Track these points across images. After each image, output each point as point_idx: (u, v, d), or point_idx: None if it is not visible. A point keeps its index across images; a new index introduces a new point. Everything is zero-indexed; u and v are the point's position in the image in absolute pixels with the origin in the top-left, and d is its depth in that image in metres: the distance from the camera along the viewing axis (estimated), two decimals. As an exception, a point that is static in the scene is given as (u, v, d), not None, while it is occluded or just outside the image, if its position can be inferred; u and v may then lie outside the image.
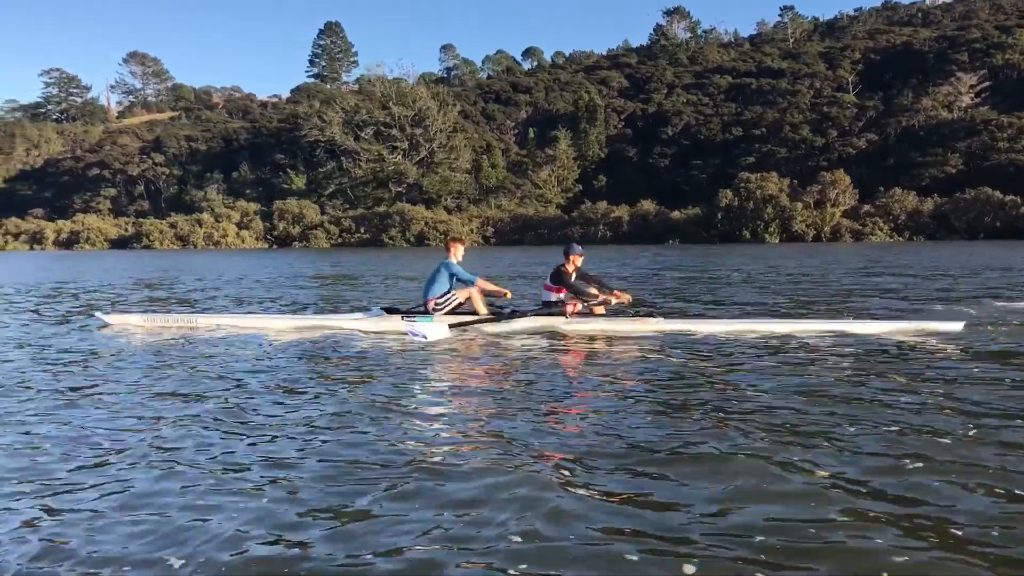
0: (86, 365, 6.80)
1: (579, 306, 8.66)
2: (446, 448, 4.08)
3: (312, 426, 4.56)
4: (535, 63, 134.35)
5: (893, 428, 4.24)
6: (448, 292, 8.90)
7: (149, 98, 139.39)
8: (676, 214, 61.39)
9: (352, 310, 10.50)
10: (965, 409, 4.66)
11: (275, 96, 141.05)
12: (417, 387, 5.68)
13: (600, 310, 8.91)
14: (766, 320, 8.74)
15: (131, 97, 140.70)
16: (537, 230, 66.98)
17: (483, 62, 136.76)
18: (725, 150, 76.67)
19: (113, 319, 9.55)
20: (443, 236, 66.10)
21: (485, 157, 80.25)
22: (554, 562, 2.71)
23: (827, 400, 4.93)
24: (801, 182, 58.68)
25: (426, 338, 8.02)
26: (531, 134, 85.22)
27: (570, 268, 8.87)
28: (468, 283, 8.92)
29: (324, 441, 4.23)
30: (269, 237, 71.95)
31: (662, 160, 79.75)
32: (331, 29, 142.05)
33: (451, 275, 8.91)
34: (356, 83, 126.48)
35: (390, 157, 77.44)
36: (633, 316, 8.71)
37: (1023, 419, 4.42)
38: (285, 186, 78.75)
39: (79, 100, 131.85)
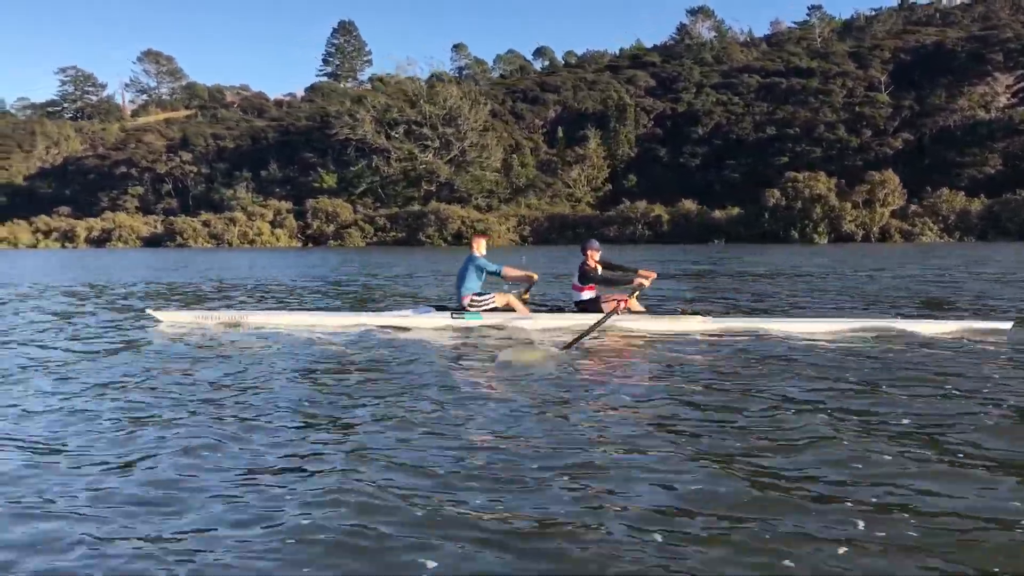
0: (140, 362, 7.05)
1: (622, 305, 8.66)
2: (505, 447, 4.16)
3: (364, 424, 4.70)
4: (547, 62, 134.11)
5: (934, 428, 4.34)
6: (488, 294, 9.18)
7: (163, 96, 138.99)
8: (718, 213, 61.08)
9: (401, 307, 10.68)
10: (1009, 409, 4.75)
11: (289, 95, 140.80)
12: (464, 386, 5.76)
13: (636, 306, 8.95)
14: (810, 319, 8.90)
15: (145, 96, 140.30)
16: (575, 229, 66.66)
17: (494, 61, 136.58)
18: (758, 150, 76.40)
19: (164, 316, 9.76)
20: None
21: (515, 156, 79.98)
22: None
23: (871, 402, 5.02)
24: (842, 182, 58.37)
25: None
26: (560, 133, 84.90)
27: (591, 263, 9.05)
28: (495, 273, 9.21)
29: (379, 439, 4.36)
30: (302, 236, 71.55)
31: (693, 160, 79.51)
32: (345, 28, 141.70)
33: (479, 268, 9.18)
34: (370, 82, 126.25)
35: (421, 156, 77.09)
36: (680, 315, 8.84)
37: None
38: (315, 184, 78.31)
39: (95, 98, 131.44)
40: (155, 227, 75.31)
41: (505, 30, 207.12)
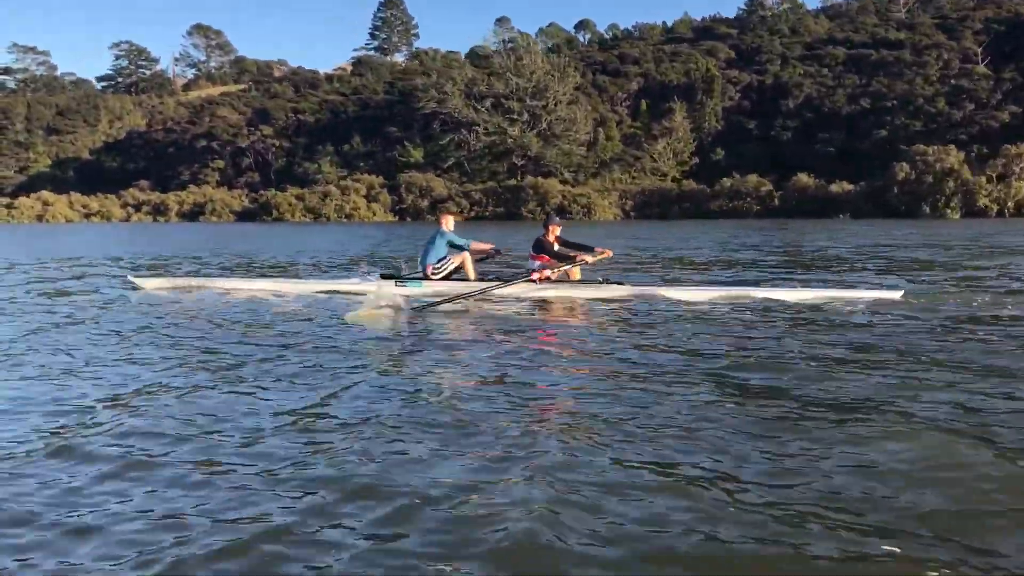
0: (105, 323, 7.73)
1: (547, 273, 9.52)
2: (425, 410, 4.27)
3: (282, 387, 4.87)
4: (588, 36, 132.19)
5: (817, 392, 4.47)
6: (444, 258, 9.91)
7: (212, 71, 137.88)
8: (835, 188, 59.83)
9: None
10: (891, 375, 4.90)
11: (339, 68, 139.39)
12: (384, 353, 6.01)
13: (576, 274, 9.76)
14: (710, 288, 9.53)
15: (194, 69, 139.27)
16: (680, 204, 65.63)
17: (536, 35, 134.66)
18: (851, 123, 74.93)
19: (142, 282, 10.71)
20: (584, 209, 65.16)
21: (600, 129, 78.71)
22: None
23: (756, 367, 5.24)
24: (972, 155, 57.07)
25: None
26: (644, 106, 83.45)
27: (550, 237, 9.84)
28: (463, 248, 9.90)
29: (289, 405, 4.42)
30: (394, 211, 70.72)
31: (785, 133, 78.03)
32: (391, 2, 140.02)
33: (448, 243, 9.95)
34: (416, 57, 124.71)
35: (510, 130, 75.82)
36: (602, 284, 9.47)
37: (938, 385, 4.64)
38: (402, 159, 77.26)
39: (148, 72, 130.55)
40: (242, 200, 74.60)
41: (533, 4, 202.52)
